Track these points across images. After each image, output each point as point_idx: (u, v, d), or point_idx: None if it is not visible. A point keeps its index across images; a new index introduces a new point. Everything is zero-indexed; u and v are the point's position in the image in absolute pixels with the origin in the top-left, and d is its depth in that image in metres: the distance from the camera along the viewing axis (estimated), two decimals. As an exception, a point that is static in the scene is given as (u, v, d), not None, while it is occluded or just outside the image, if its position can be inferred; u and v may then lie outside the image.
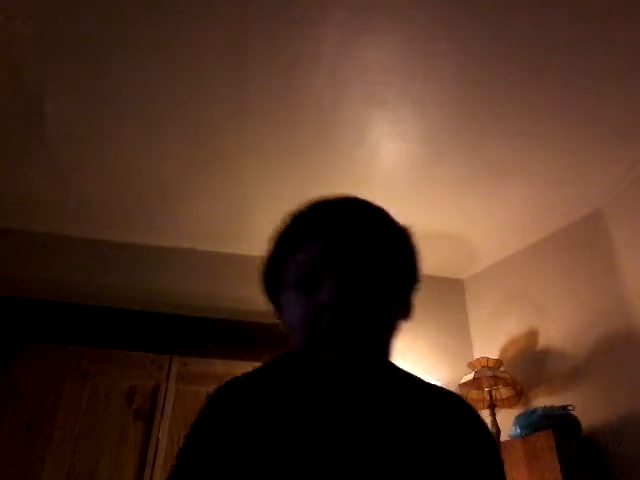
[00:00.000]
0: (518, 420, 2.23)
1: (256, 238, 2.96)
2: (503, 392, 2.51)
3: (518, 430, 2.19)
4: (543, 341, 2.59)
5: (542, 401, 2.40)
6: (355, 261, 0.71)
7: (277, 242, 0.79)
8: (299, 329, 0.71)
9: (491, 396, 2.44)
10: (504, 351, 2.72)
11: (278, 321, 0.77)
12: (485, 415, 2.56)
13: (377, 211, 0.80)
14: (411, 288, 0.81)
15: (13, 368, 2.39)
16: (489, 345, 2.78)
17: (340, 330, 0.67)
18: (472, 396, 2.56)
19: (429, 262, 3.24)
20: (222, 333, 2.62)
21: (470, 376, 2.43)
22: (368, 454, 0.65)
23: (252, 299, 3.10)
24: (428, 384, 0.80)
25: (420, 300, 3.01)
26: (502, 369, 2.49)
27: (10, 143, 2.22)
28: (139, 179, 2.42)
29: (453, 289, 3.09)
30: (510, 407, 2.49)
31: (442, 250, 2.92)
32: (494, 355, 2.61)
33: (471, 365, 2.53)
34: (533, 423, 2.15)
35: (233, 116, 2.10)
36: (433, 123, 2.14)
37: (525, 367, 2.59)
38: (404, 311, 0.79)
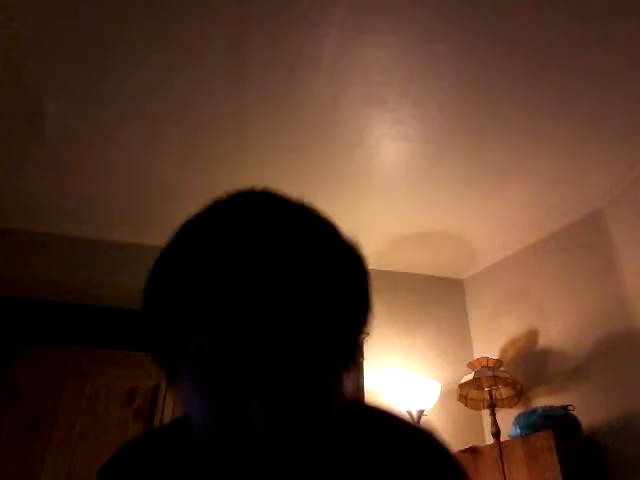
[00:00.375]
0: (518, 420, 2.23)
1: (256, 238, 2.97)
2: (503, 392, 2.52)
3: (518, 430, 2.19)
4: (543, 341, 2.59)
5: (542, 401, 2.40)
6: (282, 362, 0.48)
7: (161, 296, 0.53)
8: (210, 438, 0.52)
9: (491, 396, 2.44)
10: (504, 351, 2.72)
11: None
12: (485, 415, 2.56)
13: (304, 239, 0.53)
14: (360, 333, 0.59)
15: (13, 368, 2.39)
16: (489, 345, 2.78)
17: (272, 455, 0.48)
18: (472, 396, 2.56)
19: (429, 262, 3.26)
20: (222, 333, 2.62)
21: (470, 376, 2.44)
22: None
23: (252, 299, 3.08)
24: (394, 446, 0.60)
25: (420, 300, 3.01)
26: (502, 369, 2.49)
27: (10, 143, 2.22)
28: (139, 179, 2.42)
29: (453, 289, 3.09)
30: (510, 407, 2.49)
31: (442, 250, 2.92)
32: (494, 355, 2.61)
33: (471, 365, 2.53)
34: (533, 423, 2.15)
35: (233, 116, 2.10)
36: (433, 123, 2.14)
37: (525, 367, 2.59)
38: (349, 365, 0.58)
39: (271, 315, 0.47)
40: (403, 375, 2.64)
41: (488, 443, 2.42)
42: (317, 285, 0.49)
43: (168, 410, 2.42)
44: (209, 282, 0.48)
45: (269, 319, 0.47)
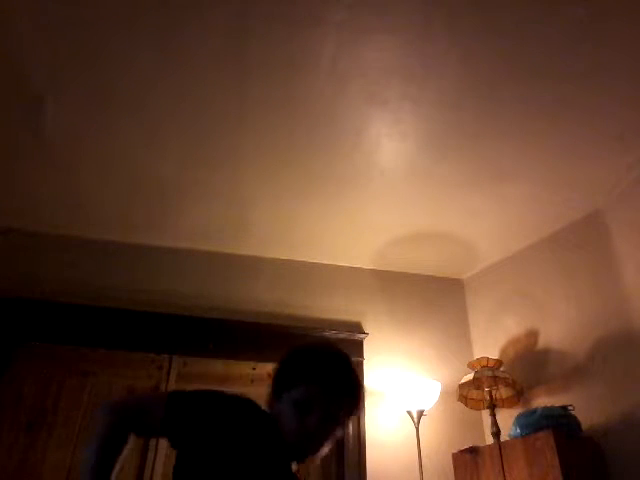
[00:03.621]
0: (518, 420, 2.23)
1: (256, 238, 2.97)
2: (503, 392, 2.51)
3: (518, 430, 2.19)
4: (543, 341, 2.59)
5: (542, 401, 2.40)
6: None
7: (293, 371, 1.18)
8: (290, 427, 1.12)
9: (491, 396, 2.44)
10: (504, 351, 2.72)
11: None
12: (485, 415, 2.56)
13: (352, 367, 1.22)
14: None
15: (13, 368, 2.39)
16: (489, 345, 2.78)
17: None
18: (472, 396, 2.56)
19: (429, 262, 3.25)
20: (222, 333, 2.62)
21: (470, 376, 2.43)
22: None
23: (252, 299, 3.10)
24: None
25: (420, 300, 3.01)
26: (502, 369, 2.49)
27: (10, 143, 2.22)
28: (139, 179, 2.42)
29: (453, 289, 3.09)
30: (510, 407, 2.49)
31: (442, 250, 2.92)
32: (494, 355, 2.61)
33: (471, 365, 2.53)
34: (533, 423, 2.15)
35: (233, 116, 2.10)
36: (433, 123, 2.14)
37: (525, 367, 2.59)
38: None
39: (338, 396, 1.15)
40: (403, 375, 2.64)
41: (488, 443, 2.42)
42: (357, 395, 1.20)
43: (168, 410, 2.42)
44: (321, 371, 1.15)
45: (337, 397, 1.14)
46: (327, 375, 1.14)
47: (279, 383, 1.18)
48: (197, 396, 1.14)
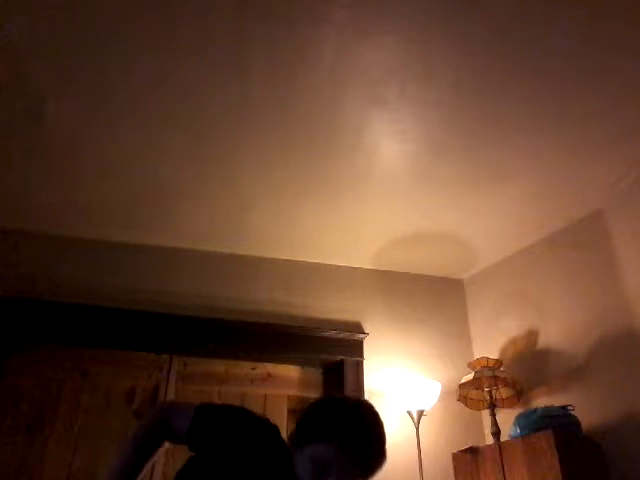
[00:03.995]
0: (518, 420, 2.23)
1: (255, 238, 2.97)
2: (503, 392, 2.51)
3: (518, 430, 2.19)
4: (543, 341, 2.59)
5: (542, 401, 2.40)
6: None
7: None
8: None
9: (491, 396, 2.44)
10: (504, 351, 2.72)
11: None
12: (485, 415, 2.56)
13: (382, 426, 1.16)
14: None
15: (13, 368, 2.39)
16: (489, 345, 2.78)
17: None
18: (472, 396, 2.56)
19: (429, 262, 3.25)
20: (222, 333, 2.62)
21: (470, 376, 2.43)
22: None
23: (252, 299, 3.10)
24: None
25: (420, 300, 3.01)
26: (502, 369, 2.49)
27: (10, 143, 2.21)
28: (139, 179, 2.42)
29: (453, 289, 3.09)
30: (510, 407, 2.49)
31: (442, 250, 2.92)
32: (494, 355, 2.61)
33: (471, 365, 2.53)
34: (533, 423, 2.15)
35: (232, 115, 2.10)
36: (433, 123, 2.14)
37: (525, 367, 2.59)
38: None
39: (358, 459, 1.08)
40: (403, 375, 2.64)
41: (488, 443, 2.42)
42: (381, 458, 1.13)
43: (168, 410, 2.42)
44: (344, 429, 1.09)
45: (357, 460, 1.08)
46: (349, 436, 1.07)
47: (300, 433, 1.14)
48: (225, 410, 1.19)
